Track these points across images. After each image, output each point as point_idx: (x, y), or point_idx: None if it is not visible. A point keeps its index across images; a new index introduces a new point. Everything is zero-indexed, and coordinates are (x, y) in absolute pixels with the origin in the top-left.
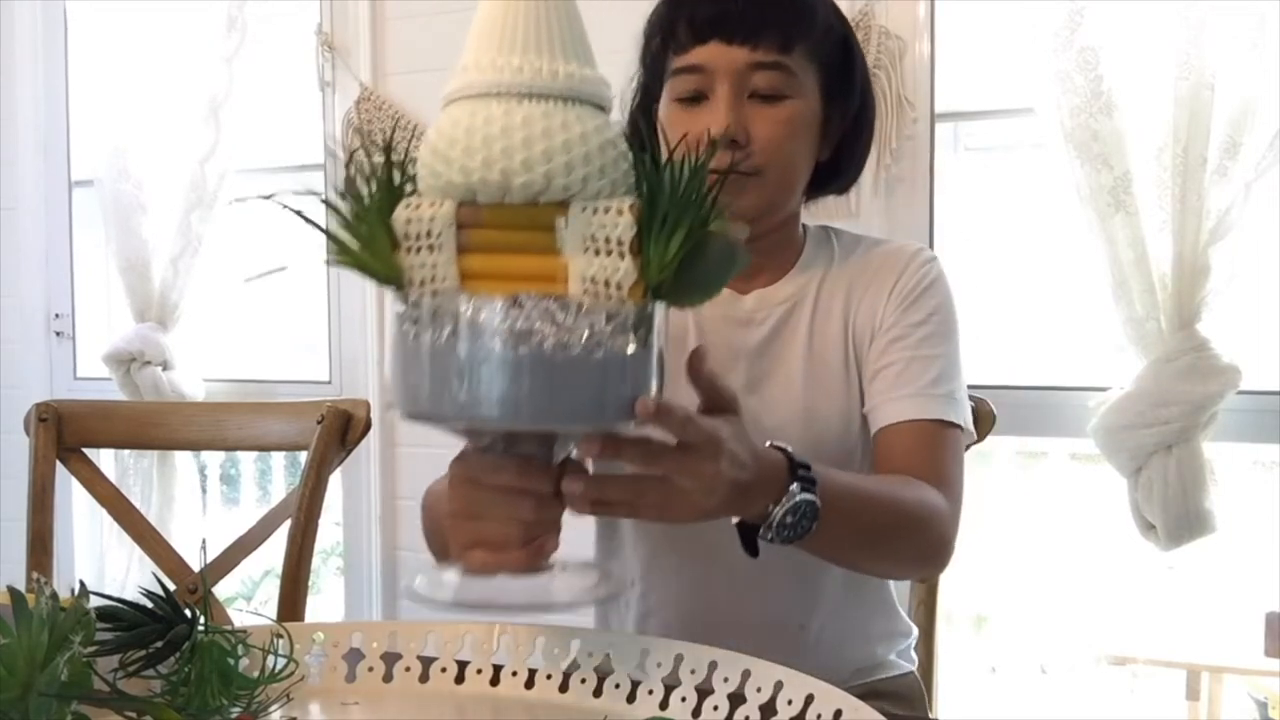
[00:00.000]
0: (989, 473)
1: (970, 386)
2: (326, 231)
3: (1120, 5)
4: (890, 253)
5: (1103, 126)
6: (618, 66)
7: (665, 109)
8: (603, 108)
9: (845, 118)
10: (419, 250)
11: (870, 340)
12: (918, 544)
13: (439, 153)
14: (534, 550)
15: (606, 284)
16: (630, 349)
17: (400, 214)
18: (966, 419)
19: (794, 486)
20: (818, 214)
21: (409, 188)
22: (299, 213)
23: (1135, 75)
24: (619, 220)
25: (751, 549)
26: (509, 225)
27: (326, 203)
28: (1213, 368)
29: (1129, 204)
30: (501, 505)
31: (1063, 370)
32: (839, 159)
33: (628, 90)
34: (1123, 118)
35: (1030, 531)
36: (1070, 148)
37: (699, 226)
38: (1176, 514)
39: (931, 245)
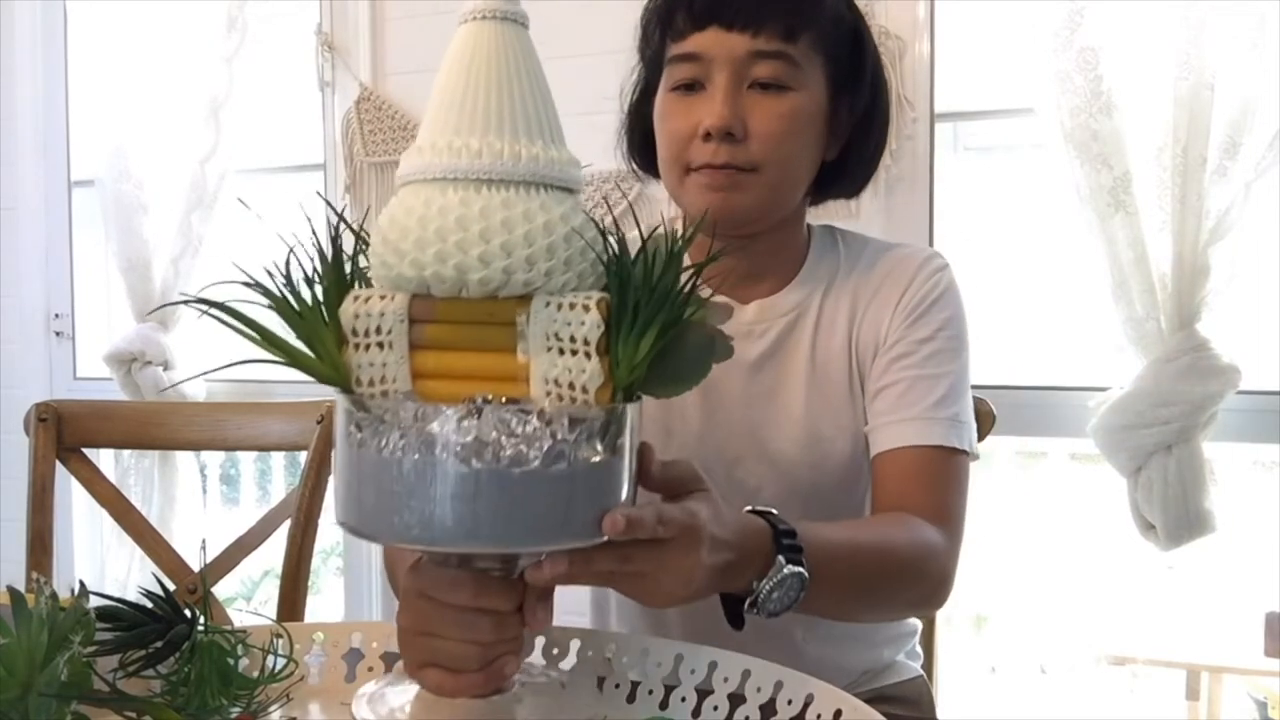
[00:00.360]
0: (989, 473)
1: (971, 387)
2: (259, 329)
3: (1120, 5)
4: (899, 260)
5: (1102, 126)
6: (616, 67)
7: (661, 98)
8: (571, 190)
9: (854, 114)
10: (368, 347)
11: (874, 355)
12: (914, 590)
13: (390, 243)
14: (493, 672)
15: (571, 386)
16: (597, 458)
17: (348, 307)
18: (971, 441)
19: (780, 559)
20: (817, 214)
21: (361, 269)
22: (224, 307)
23: (1135, 75)
24: (585, 317)
25: (737, 622)
26: (465, 320)
27: (265, 292)
28: (1212, 368)
29: (1129, 204)
30: (458, 625)
31: (1062, 370)
32: (847, 159)
33: (627, 83)
34: (1122, 118)
35: (1030, 532)
36: (1070, 148)
37: (674, 321)
38: (1176, 514)
39: (931, 245)
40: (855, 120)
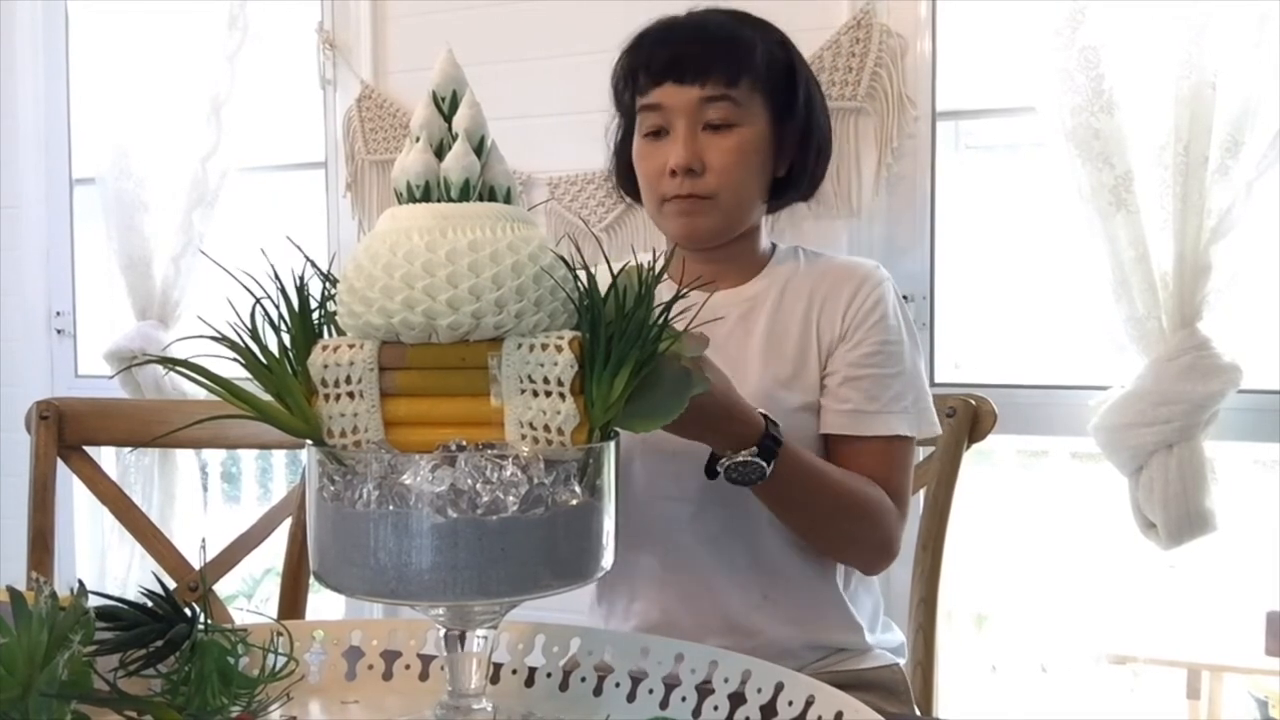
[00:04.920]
0: (990, 472)
1: (971, 385)
2: (226, 384)
3: (1122, 4)
4: (848, 266)
5: (1104, 125)
6: (610, 67)
7: (636, 143)
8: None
9: (795, 136)
10: (338, 398)
11: (835, 340)
12: (866, 533)
13: (356, 292)
14: None
15: (546, 429)
16: (576, 500)
17: (316, 358)
18: (922, 425)
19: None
20: (819, 214)
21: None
22: (188, 364)
23: (1137, 74)
24: (557, 358)
25: (710, 473)
26: (437, 366)
27: (232, 346)
28: (1213, 367)
29: (1130, 202)
30: None
31: (1064, 369)
32: (793, 173)
33: (611, 127)
34: (1124, 116)
35: (1031, 530)
36: (1071, 146)
37: (649, 357)
38: (1177, 513)
39: (932, 244)
40: (797, 140)
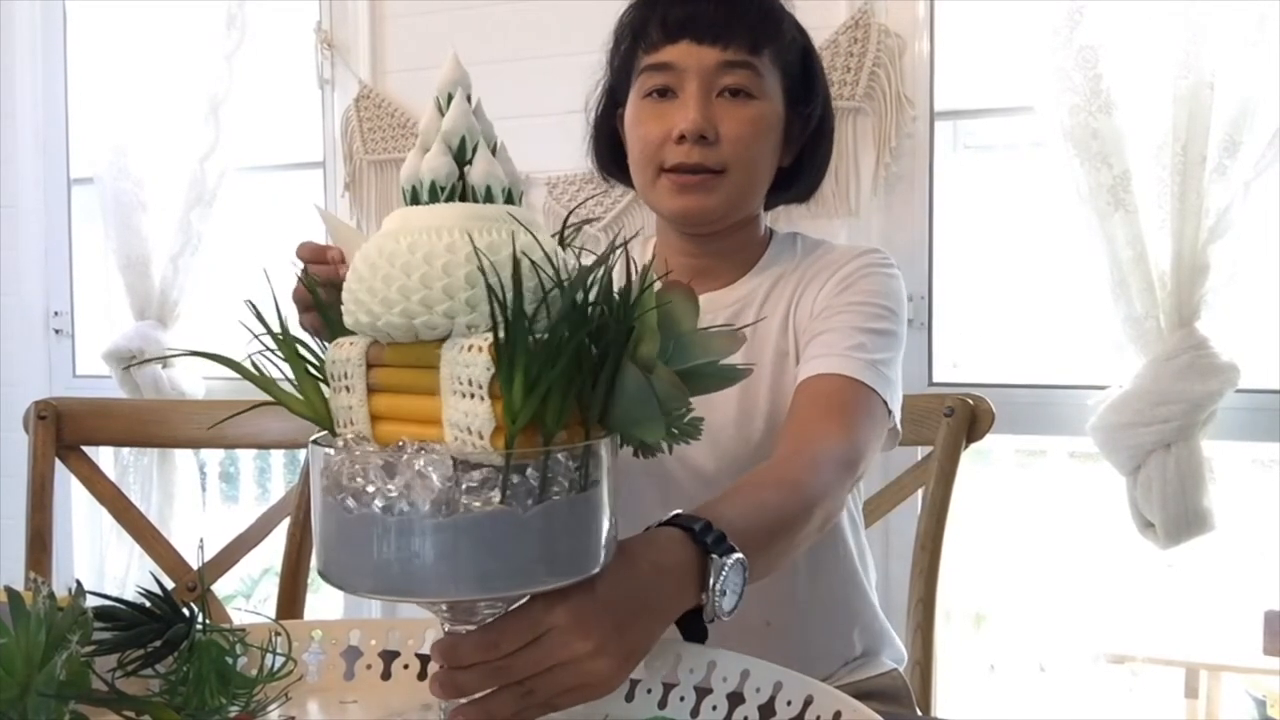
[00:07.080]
0: (988, 471)
1: (969, 385)
2: (259, 376)
3: (1120, 3)
4: (844, 251)
5: (1102, 125)
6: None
7: (633, 107)
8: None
9: (807, 126)
10: (341, 391)
11: (808, 324)
12: (816, 522)
13: (351, 292)
14: None
15: (469, 430)
16: (490, 506)
17: (330, 353)
18: (886, 393)
19: (714, 558)
20: (817, 213)
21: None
22: (217, 356)
23: (1135, 73)
24: (477, 359)
25: (700, 635)
26: (404, 364)
27: (275, 336)
28: (1211, 366)
29: (1128, 202)
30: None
31: (1062, 369)
32: (799, 166)
33: (592, 97)
34: (1122, 116)
35: (1029, 530)
36: (1070, 146)
37: (554, 365)
38: (1175, 512)
39: (930, 244)
40: (808, 132)
